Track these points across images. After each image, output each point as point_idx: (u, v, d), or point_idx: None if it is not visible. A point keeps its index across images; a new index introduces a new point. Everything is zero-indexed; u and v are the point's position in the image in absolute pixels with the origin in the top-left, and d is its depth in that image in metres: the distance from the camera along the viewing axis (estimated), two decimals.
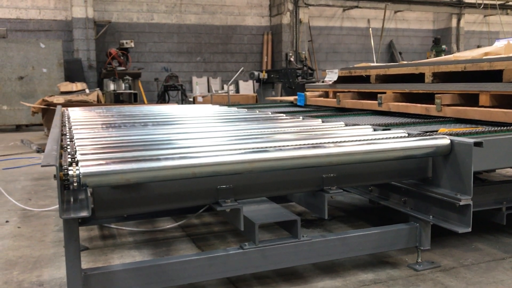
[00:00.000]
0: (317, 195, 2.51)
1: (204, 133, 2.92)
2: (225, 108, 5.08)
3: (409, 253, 2.83)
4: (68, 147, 2.52)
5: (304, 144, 2.41)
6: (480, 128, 2.95)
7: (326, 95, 5.30)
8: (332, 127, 3.18)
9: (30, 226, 3.59)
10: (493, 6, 15.39)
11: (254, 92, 13.36)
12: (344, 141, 2.47)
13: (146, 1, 13.36)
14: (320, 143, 2.47)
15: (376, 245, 2.57)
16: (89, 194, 1.98)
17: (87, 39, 12.32)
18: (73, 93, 10.14)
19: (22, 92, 11.21)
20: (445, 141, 2.47)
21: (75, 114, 4.33)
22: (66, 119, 3.90)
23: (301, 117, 3.78)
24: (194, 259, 2.25)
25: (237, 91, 14.10)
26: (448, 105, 3.45)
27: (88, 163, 1.92)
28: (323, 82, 5.44)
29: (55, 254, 2.98)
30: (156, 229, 3.44)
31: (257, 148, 2.35)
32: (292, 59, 13.81)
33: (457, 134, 2.67)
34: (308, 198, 2.67)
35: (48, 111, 8.74)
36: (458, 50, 15.41)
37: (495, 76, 3.20)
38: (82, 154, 2.17)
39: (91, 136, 2.75)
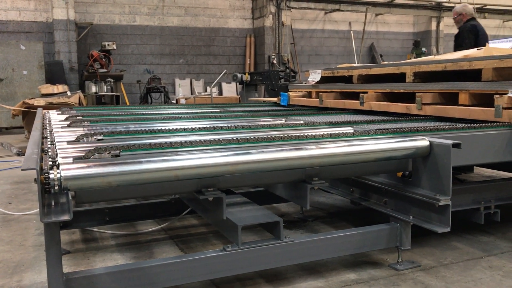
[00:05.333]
0: (300, 186, 2.53)
1: (187, 133, 2.92)
2: (207, 109, 5.07)
3: (390, 253, 2.87)
4: (49, 150, 2.49)
5: (286, 144, 2.43)
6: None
7: (309, 95, 5.34)
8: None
9: (10, 230, 3.54)
10: None
11: (237, 94, 13.36)
12: (326, 142, 2.50)
13: (128, 3, 13.27)
14: (303, 143, 2.49)
15: (358, 246, 2.60)
16: (70, 198, 1.97)
17: (68, 41, 12.17)
18: (54, 96, 10.00)
19: (2, 95, 11.03)
20: (424, 142, 2.51)
21: (56, 116, 4.29)
22: (47, 122, 3.86)
23: (283, 120, 3.80)
24: (177, 261, 2.25)
25: (220, 93, 14.09)
26: (428, 104, 3.51)
27: (69, 166, 1.91)
28: (305, 83, 5.48)
29: (36, 258, 2.95)
30: (139, 232, 3.42)
31: (239, 148, 2.35)
32: (274, 61, 13.83)
33: (437, 129, 2.73)
34: (290, 189, 2.69)
35: (28, 113, 8.62)
36: (438, 52, 15.60)
37: (474, 76, 3.26)
38: (63, 157, 2.15)
39: (72, 139, 2.73)
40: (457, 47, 5.89)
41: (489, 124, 2.90)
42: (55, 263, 1.97)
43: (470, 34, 5.87)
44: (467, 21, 6.27)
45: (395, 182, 2.79)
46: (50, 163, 2.05)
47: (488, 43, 5.06)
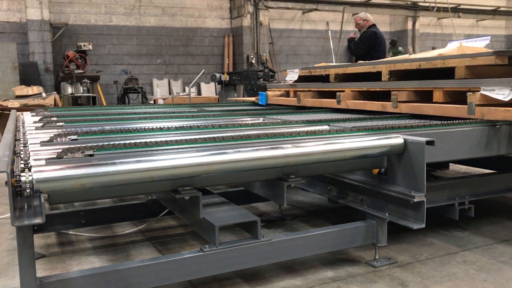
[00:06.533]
0: (277, 184, 2.54)
1: (163, 133, 2.90)
2: (184, 108, 5.05)
3: (368, 250, 2.89)
4: (22, 152, 2.44)
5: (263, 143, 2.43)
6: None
7: (287, 94, 5.35)
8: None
9: None
10: (445, 9, 15.91)
11: (216, 94, 13.32)
12: (302, 140, 2.51)
13: (105, 3, 13.11)
14: (279, 142, 2.49)
15: (335, 243, 2.62)
16: (42, 200, 1.93)
17: (43, 41, 11.96)
18: (29, 97, 9.81)
19: None
20: (399, 140, 2.54)
21: (30, 118, 4.21)
22: (21, 124, 3.79)
23: (261, 119, 3.80)
24: (154, 263, 2.23)
25: (199, 93, 14.02)
26: (403, 102, 3.56)
27: (42, 168, 1.87)
28: (284, 82, 5.49)
29: (9, 263, 2.89)
30: (116, 234, 3.38)
31: (216, 148, 2.34)
32: (253, 61, 13.85)
33: (411, 127, 2.77)
34: (268, 187, 2.69)
35: (2, 116, 8.44)
36: (414, 51, 15.82)
37: (448, 74, 3.32)
38: (36, 159, 2.11)
39: (46, 141, 2.68)
40: (363, 50, 7.00)
41: (462, 121, 2.95)
42: (28, 267, 1.93)
43: (371, 41, 6.90)
44: (369, 26, 7.08)
45: (371, 179, 2.81)
46: (22, 165, 2.01)
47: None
